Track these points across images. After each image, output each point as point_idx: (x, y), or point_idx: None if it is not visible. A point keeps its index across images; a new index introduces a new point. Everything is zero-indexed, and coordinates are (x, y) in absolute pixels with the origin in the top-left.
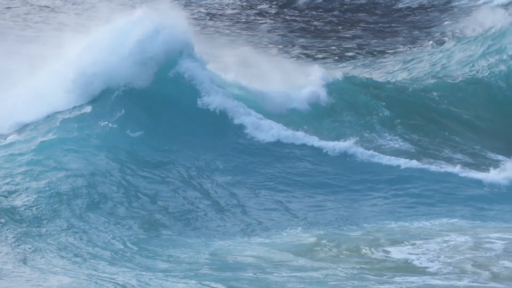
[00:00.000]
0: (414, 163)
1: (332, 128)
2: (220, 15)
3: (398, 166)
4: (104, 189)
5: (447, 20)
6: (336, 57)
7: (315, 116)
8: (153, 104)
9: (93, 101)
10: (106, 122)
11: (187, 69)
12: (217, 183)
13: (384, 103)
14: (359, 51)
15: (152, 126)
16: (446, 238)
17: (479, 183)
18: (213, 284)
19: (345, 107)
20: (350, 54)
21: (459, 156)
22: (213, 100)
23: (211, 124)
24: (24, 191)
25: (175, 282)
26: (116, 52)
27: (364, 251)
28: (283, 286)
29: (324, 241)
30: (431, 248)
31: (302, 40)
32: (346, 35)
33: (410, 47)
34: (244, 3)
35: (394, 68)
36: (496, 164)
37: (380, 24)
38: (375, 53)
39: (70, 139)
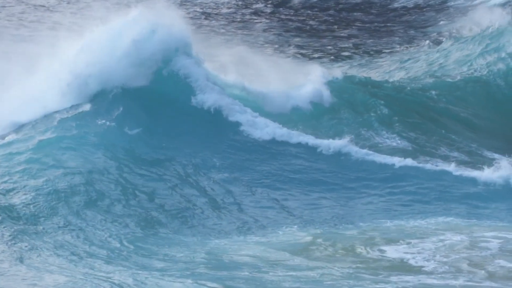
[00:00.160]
0: (409, 161)
1: (331, 126)
2: (216, 14)
3: (393, 164)
4: (101, 186)
5: (443, 20)
6: (332, 57)
7: (315, 114)
8: (150, 102)
9: (90, 100)
10: (104, 121)
11: (182, 66)
12: (213, 181)
13: (382, 102)
14: (355, 51)
15: (149, 124)
16: (442, 237)
17: (474, 181)
18: (209, 283)
19: (344, 105)
20: (346, 53)
21: (455, 154)
22: (208, 98)
23: (207, 122)
24: (22, 189)
25: (171, 281)
26: (112, 53)
27: (359, 250)
28: (279, 285)
29: (319, 240)
30: (427, 247)
31: (297, 39)
32: (342, 35)
33: (406, 47)
34: (240, 2)
35: (391, 68)
36: (491, 162)
37: (376, 24)
38: (371, 52)
39: (68, 137)
